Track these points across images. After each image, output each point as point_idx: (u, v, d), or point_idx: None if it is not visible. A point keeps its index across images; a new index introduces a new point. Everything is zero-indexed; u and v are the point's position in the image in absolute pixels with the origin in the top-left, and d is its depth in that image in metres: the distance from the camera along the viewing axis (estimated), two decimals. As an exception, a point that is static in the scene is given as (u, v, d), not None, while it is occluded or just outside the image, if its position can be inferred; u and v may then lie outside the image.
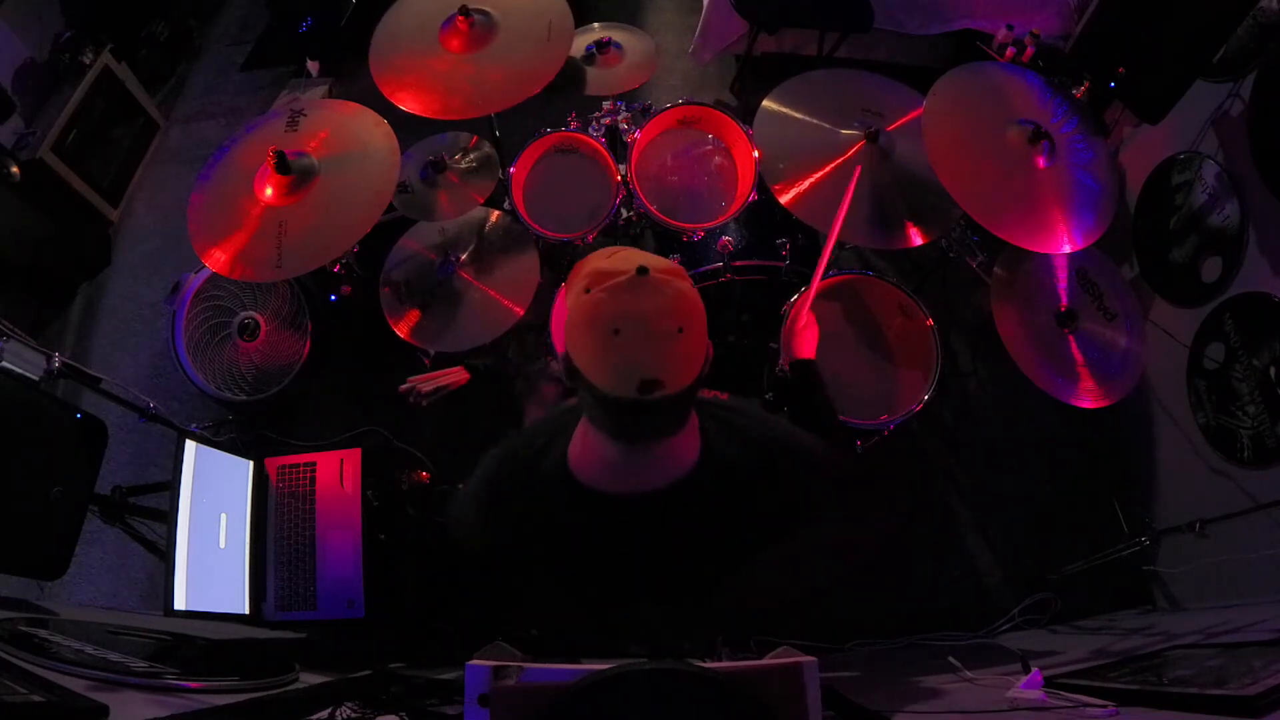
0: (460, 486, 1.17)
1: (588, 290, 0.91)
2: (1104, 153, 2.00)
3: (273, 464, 2.05)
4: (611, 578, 1.13)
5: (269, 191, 1.92)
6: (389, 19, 2.13)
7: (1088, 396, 1.95)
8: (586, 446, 1.02)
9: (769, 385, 1.74)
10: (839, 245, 2.31)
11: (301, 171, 1.92)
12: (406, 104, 1.98)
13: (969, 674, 1.84)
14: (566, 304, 0.95)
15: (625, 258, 0.92)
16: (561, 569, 1.15)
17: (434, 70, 2.03)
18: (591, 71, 2.42)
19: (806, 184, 1.97)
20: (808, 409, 1.38)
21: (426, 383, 1.89)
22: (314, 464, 2.04)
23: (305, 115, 2.05)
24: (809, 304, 1.52)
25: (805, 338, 1.47)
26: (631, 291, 0.89)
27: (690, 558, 1.09)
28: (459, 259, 2.13)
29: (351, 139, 2.00)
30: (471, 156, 2.24)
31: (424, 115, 1.97)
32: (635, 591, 1.17)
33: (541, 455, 1.07)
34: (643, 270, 0.89)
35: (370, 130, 2.01)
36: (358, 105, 2.07)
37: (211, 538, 1.84)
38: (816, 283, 1.57)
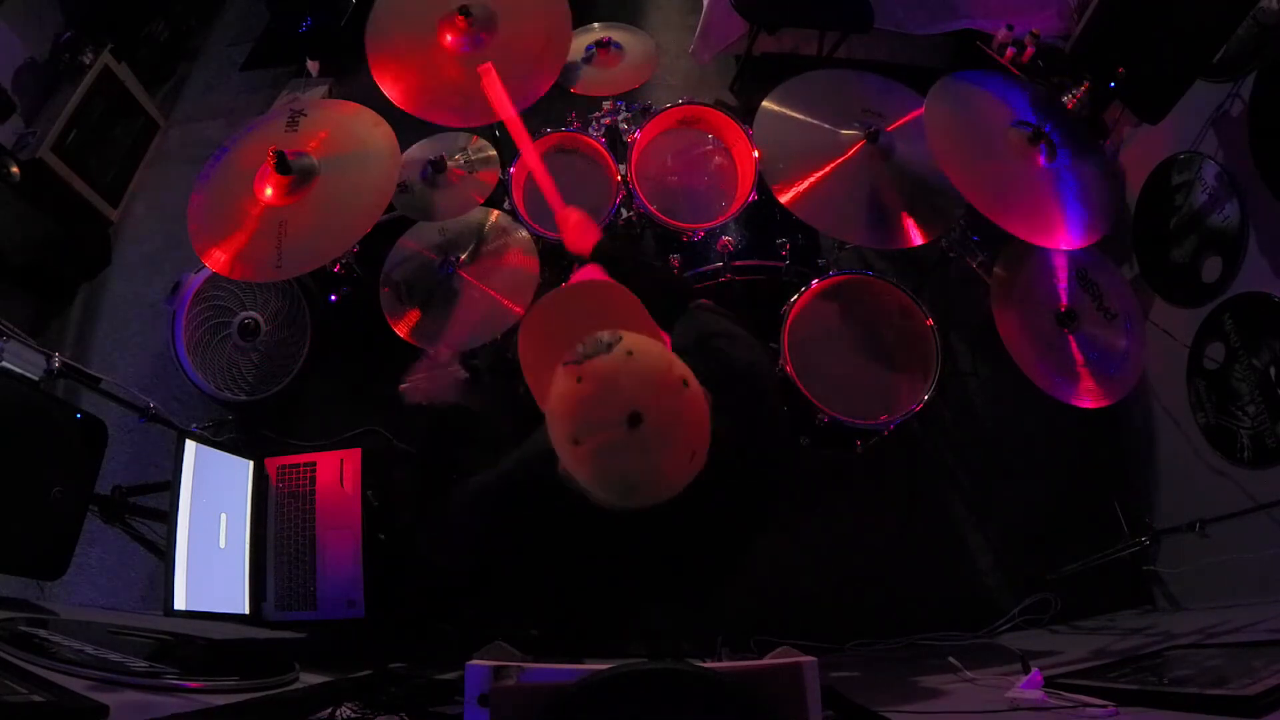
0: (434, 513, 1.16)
1: (577, 442, 0.85)
2: (1099, 166, 2.00)
3: (273, 464, 2.05)
4: (617, 573, 1.13)
5: (269, 191, 1.91)
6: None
7: (1088, 396, 1.95)
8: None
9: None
10: (839, 244, 2.32)
11: (301, 171, 1.92)
12: (390, 90, 1.96)
13: (969, 674, 1.84)
14: (553, 437, 0.89)
15: (602, 396, 0.84)
16: (567, 569, 1.14)
17: (426, 64, 2.01)
18: (591, 71, 2.42)
19: (806, 184, 1.97)
20: (637, 276, 1.35)
21: (426, 382, 1.89)
22: (314, 464, 2.04)
23: (305, 115, 2.06)
24: (558, 205, 1.57)
25: (576, 232, 1.47)
26: (635, 451, 0.83)
27: (697, 535, 1.08)
28: (459, 259, 2.13)
29: (351, 139, 2.00)
30: (471, 156, 2.24)
31: (406, 109, 1.96)
32: (641, 586, 1.16)
33: (547, 471, 1.05)
34: (635, 420, 0.82)
35: (370, 130, 2.01)
36: (358, 105, 2.08)
37: (211, 538, 1.84)
38: (527, 154, 1.63)
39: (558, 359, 0.91)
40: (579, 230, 1.53)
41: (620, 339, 0.90)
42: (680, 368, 0.90)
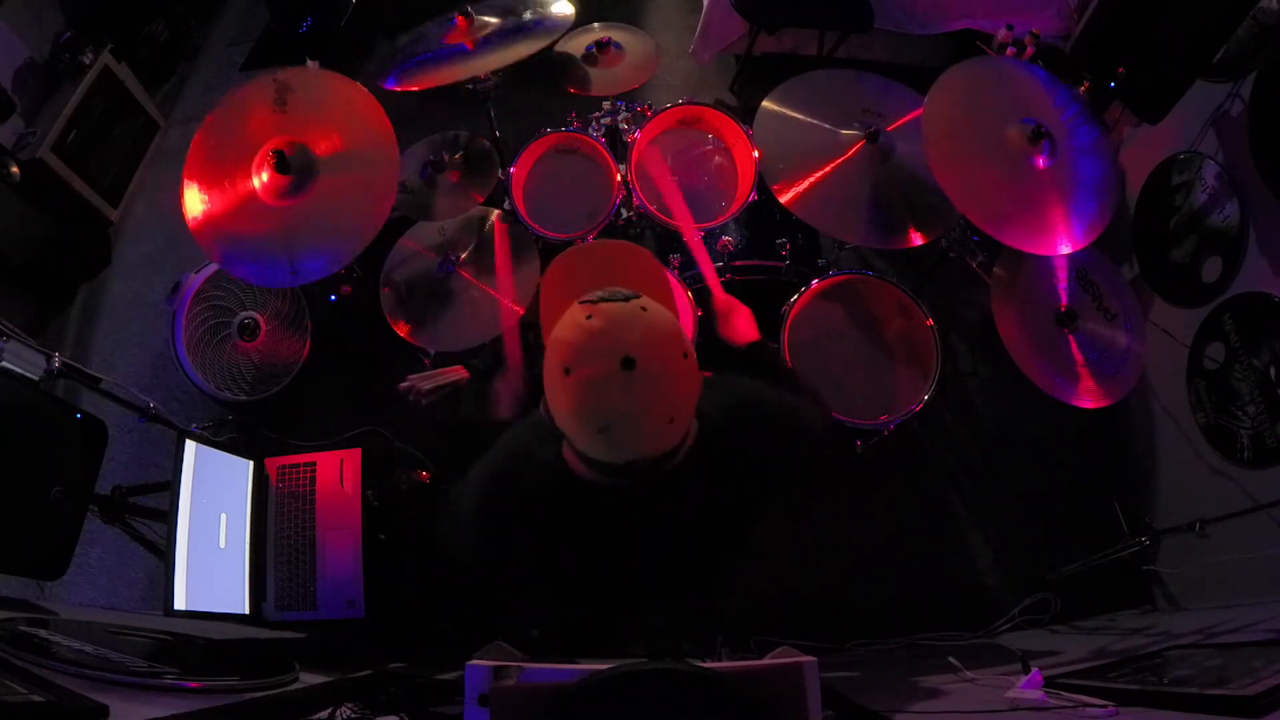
0: (452, 495, 1.16)
1: (568, 371, 0.87)
2: (1106, 136, 1.99)
3: (273, 464, 2.05)
4: (618, 569, 1.13)
5: (262, 181, 1.90)
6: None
7: (1088, 396, 1.95)
8: (577, 462, 1.01)
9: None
10: (839, 244, 2.31)
11: (301, 171, 1.92)
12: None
13: (969, 674, 1.84)
14: (545, 367, 0.90)
15: (606, 333, 0.86)
16: (567, 565, 1.14)
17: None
18: (591, 71, 2.42)
19: (806, 184, 1.97)
20: (772, 378, 1.36)
21: (426, 381, 1.89)
22: (314, 464, 2.04)
23: (292, 90, 1.96)
24: (719, 290, 1.54)
25: (739, 321, 1.45)
26: (620, 390, 0.84)
27: (696, 530, 1.08)
28: (459, 259, 2.13)
29: (352, 140, 1.99)
30: (471, 157, 2.24)
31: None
32: (642, 582, 1.16)
33: (539, 459, 1.06)
34: (628, 364, 0.83)
35: (370, 130, 1.99)
36: (344, 77, 1.99)
37: (211, 538, 1.84)
38: (708, 272, 1.60)
39: (577, 297, 0.93)
40: (743, 326, 1.50)
41: (640, 297, 0.92)
42: (687, 344, 0.92)
